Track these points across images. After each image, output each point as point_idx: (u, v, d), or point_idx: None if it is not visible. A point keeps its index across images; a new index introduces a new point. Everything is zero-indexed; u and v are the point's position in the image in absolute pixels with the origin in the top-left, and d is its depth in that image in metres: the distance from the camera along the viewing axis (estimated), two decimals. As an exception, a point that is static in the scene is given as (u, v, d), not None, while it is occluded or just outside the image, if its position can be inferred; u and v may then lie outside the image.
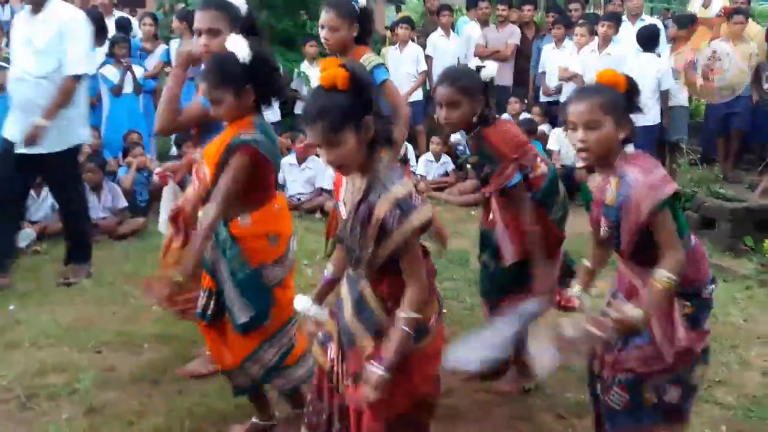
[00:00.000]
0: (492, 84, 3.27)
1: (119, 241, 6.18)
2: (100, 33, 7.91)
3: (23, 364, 3.80)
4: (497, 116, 3.32)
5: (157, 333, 4.14)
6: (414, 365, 2.26)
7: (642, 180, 2.35)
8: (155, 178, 3.73)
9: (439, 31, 8.97)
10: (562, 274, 3.41)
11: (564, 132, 7.28)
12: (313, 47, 8.40)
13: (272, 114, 7.13)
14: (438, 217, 3.74)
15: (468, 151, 3.46)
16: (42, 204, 6.27)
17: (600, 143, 2.42)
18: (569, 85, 7.98)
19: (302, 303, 2.54)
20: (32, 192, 6.19)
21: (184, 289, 3.28)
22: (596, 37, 7.88)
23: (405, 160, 6.94)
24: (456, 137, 8.27)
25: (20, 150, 4.76)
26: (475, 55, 8.63)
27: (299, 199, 7.21)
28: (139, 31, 8.83)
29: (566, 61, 8.06)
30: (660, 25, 8.33)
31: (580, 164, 7.16)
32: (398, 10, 12.91)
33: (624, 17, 8.28)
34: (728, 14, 8.22)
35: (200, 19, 3.26)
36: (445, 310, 2.58)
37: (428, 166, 8.12)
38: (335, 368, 2.39)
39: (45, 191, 6.25)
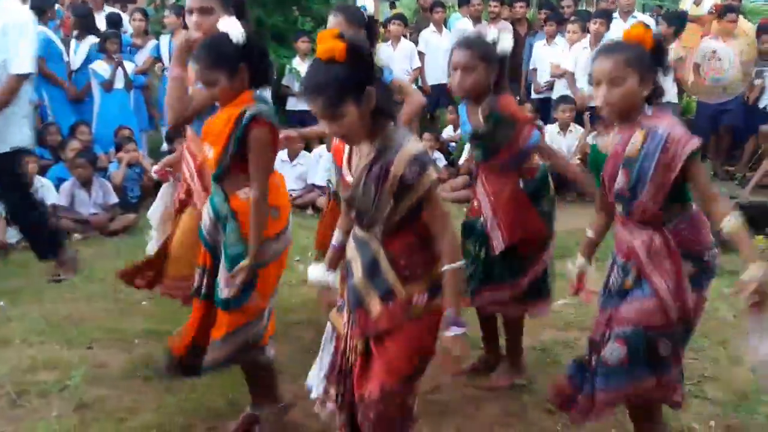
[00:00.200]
0: (507, 56, 3.31)
1: (110, 238, 6.18)
2: (86, 28, 7.93)
3: (14, 361, 3.79)
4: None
5: (147, 329, 4.14)
6: (426, 323, 2.30)
7: (676, 131, 2.43)
8: (154, 175, 3.73)
9: (432, 27, 8.98)
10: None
11: (559, 131, 7.37)
12: (305, 43, 8.40)
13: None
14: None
15: (466, 128, 3.43)
16: (32, 200, 6.23)
17: (624, 98, 2.47)
18: (561, 83, 8.00)
19: (316, 272, 2.58)
20: (22, 188, 6.18)
21: (178, 272, 3.32)
22: (588, 34, 7.90)
23: None
24: (448, 134, 8.28)
25: None
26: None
27: (291, 195, 7.20)
28: (129, 26, 8.81)
29: (558, 58, 8.08)
30: (651, 22, 8.36)
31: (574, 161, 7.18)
32: (392, 6, 12.95)
33: (616, 14, 8.31)
34: (720, 12, 8.27)
35: None
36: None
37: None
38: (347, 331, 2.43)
39: (35, 188, 6.22)
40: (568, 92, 7.80)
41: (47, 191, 6.31)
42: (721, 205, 2.44)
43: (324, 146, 7.31)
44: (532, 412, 3.36)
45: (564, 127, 7.49)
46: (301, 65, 8.30)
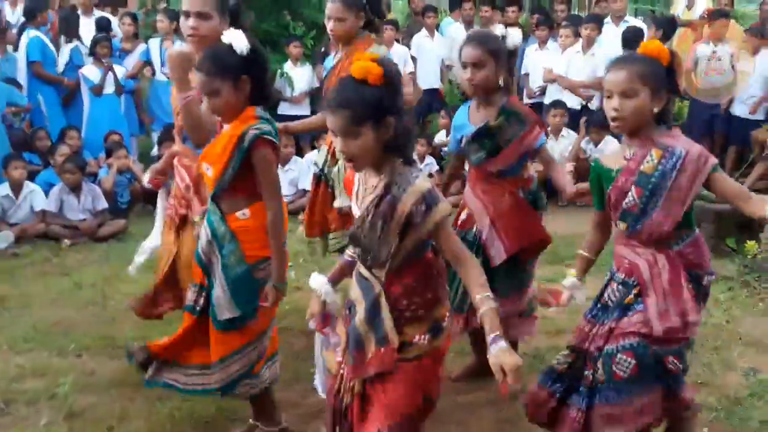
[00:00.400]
0: (515, 52, 3.35)
1: (100, 243, 6.15)
2: (69, 31, 7.93)
3: (1, 369, 3.77)
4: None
5: (137, 336, 4.11)
6: (428, 363, 2.28)
7: (693, 149, 2.46)
8: (147, 184, 3.71)
9: (424, 32, 9.00)
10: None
11: (551, 136, 7.38)
12: (297, 48, 8.43)
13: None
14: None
15: (464, 131, 3.38)
16: (21, 206, 6.23)
17: (635, 112, 2.46)
18: (553, 87, 8.02)
19: (318, 281, 2.53)
20: (11, 194, 6.18)
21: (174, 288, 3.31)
22: (580, 39, 7.93)
23: None
24: (440, 138, 8.29)
25: None
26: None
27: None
28: (119, 30, 8.80)
29: (550, 62, 8.10)
30: (644, 26, 8.39)
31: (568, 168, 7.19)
32: (388, 10, 13.05)
33: (608, 19, 8.34)
34: (711, 15, 8.32)
35: (191, 2, 3.22)
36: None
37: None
38: (341, 371, 2.40)
39: (24, 193, 6.21)
40: (560, 97, 7.82)
41: (36, 197, 6.29)
42: (755, 199, 2.47)
43: (316, 152, 7.30)
44: (525, 420, 3.35)
45: (556, 132, 7.51)
46: (292, 70, 8.32)
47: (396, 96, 2.19)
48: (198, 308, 2.94)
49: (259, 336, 2.93)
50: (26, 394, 3.51)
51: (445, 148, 8.24)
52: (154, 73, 8.08)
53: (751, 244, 5.18)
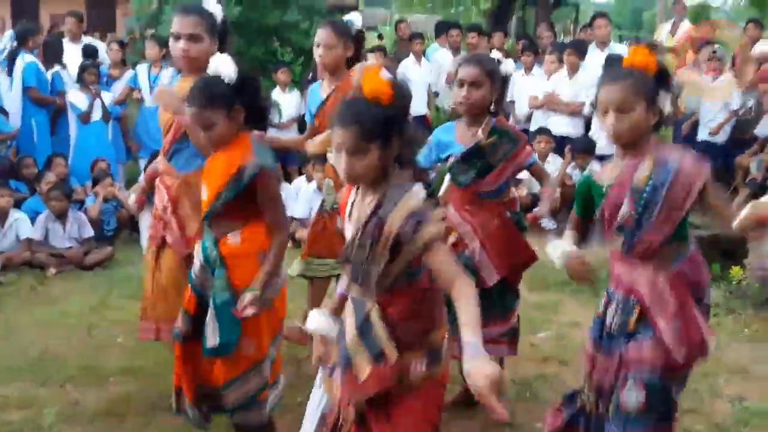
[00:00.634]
0: (507, 80, 3.41)
1: (86, 272, 6.12)
2: (53, 56, 7.95)
3: (-15, 400, 3.74)
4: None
5: (122, 366, 4.10)
6: (429, 392, 2.23)
7: (687, 159, 2.43)
8: (134, 210, 3.71)
9: (411, 58, 9.07)
10: None
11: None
12: (285, 74, 8.47)
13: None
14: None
15: (451, 150, 3.39)
16: (6, 234, 6.19)
17: (633, 127, 2.44)
18: (539, 114, 8.10)
19: (316, 321, 2.44)
20: (-4, 221, 6.15)
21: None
22: (565, 65, 8.02)
23: None
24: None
25: None
26: (446, 82, 8.73)
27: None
28: (106, 57, 8.82)
29: (536, 88, 8.18)
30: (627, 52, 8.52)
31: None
32: (380, 38, 13.21)
33: (593, 45, 8.44)
34: (697, 46, 8.48)
35: (181, 24, 3.26)
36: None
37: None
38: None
39: (9, 221, 6.18)
40: (545, 124, 7.90)
41: (22, 224, 6.24)
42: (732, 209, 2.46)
43: (303, 178, 7.32)
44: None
45: (542, 159, 7.56)
46: (280, 96, 8.35)
47: (404, 116, 2.18)
48: (186, 336, 2.91)
49: (262, 361, 2.87)
50: (10, 426, 3.47)
51: (433, 174, 8.29)
52: (142, 100, 8.10)
53: (736, 270, 5.23)
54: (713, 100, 8.08)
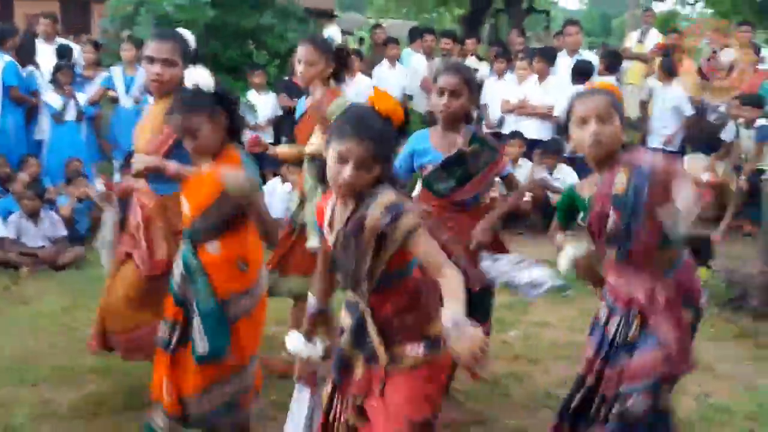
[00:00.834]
0: (481, 86, 3.42)
1: (59, 272, 6.04)
2: (26, 57, 7.86)
3: (-45, 400, 3.68)
4: None
5: (95, 366, 4.04)
6: (426, 373, 2.22)
7: (658, 160, 2.46)
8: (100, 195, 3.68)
9: (386, 62, 9.11)
10: None
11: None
12: (260, 76, 8.46)
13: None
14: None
15: (428, 157, 3.37)
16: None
17: (612, 137, 2.47)
18: (511, 118, 8.17)
19: (293, 342, 2.45)
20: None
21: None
22: (536, 71, 8.11)
23: None
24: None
25: None
26: (421, 87, 8.78)
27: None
28: (80, 58, 8.73)
29: (508, 93, 8.25)
30: (596, 58, 8.62)
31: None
32: (361, 42, 13.29)
33: (563, 52, 8.53)
34: (665, 51, 8.55)
35: (157, 49, 3.28)
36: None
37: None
38: (333, 403, 2.32)
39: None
40: (517, 128, 7.96)
41: (-6, 223, 6.18)
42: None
43: (278, 179, 7.31)
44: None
45: (514, 161, 7.62)
46: (255, 97, 8.35)
47: (399, 141, 2.24)
48: (172, 345, 2.88)
49: (241, 369, 2.86)
50: (-19, 426, 3.43)
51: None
52: (117, 100, 8.02)
53: (702, 271, 5.30)
54: (664, 107, 8.09)
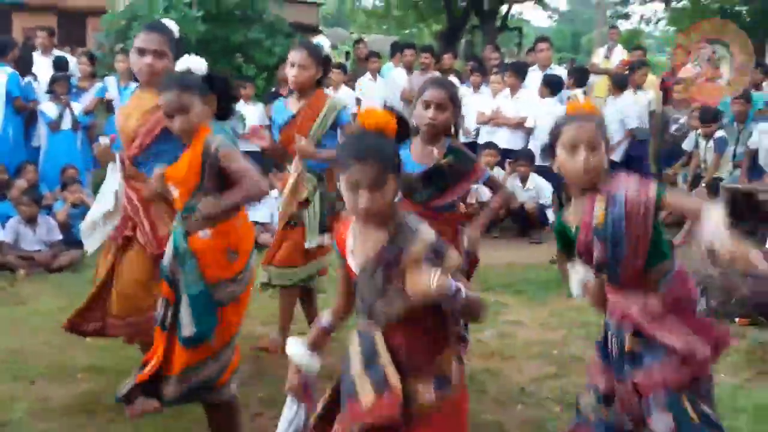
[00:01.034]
0: (461, 102, 3.41)
1: (55, 274, 5.99)
2: (24, 68, 7.81)
3: (-45, 397, 3.63)
4: None
5: (90, 364, 4.01)
6: (450, 412, 2.09)
7: (631, 186, 2.31)
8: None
9: (368, 75, 9.14)
10: None
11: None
12: (248, 88, 8.47)
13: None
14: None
15: (408, 168, 3.27)
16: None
17: (598, 165, 2.33)
18: (485, 129, 8.22)
19: (296, 349, 2.30)
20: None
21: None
22: (509, 84, 8.15)
23: None
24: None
25: None
26: (401, 98, 8.82)
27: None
28: (76, 70, 8.67)
29: (483, 105, 8.30)
30: (564, 73, 8.71)
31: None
32: (347, 57, 13.30)
33: (535, 67, 8.60)
34: (631, 66, 8.65)
35: (148, 40, 3.26)
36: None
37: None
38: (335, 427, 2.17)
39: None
40: (491, 139, 8.01)
41: (-7, 228, 6.12)
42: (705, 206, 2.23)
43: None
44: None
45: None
46: (244, 108, 8.35)
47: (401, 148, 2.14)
48: (166, 323, 2.85)
49: (222, 349, 2.82)
50: (-21, 422, 3.39)
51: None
52: (111, 110, 7.97)
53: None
54: (610, 119, 8.11)
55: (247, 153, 3.35)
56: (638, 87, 8.38)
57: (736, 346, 4.06)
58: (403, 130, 2.18)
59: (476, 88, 8.63)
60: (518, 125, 7.99)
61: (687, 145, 7.76)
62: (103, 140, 3.43)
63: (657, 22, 21.89)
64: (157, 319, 2.90)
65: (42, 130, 7.70)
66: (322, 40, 3.94)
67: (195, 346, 2.77)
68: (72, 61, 8.94)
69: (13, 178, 6.90)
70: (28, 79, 7.82)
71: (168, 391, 2.83)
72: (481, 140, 8.18)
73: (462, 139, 8.53)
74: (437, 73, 9.08)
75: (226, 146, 2.74)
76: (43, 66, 8.33)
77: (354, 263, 2.13)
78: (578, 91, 8.15)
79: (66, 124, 7.64)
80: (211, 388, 2.84)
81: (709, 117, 7.47)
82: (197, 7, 8.98)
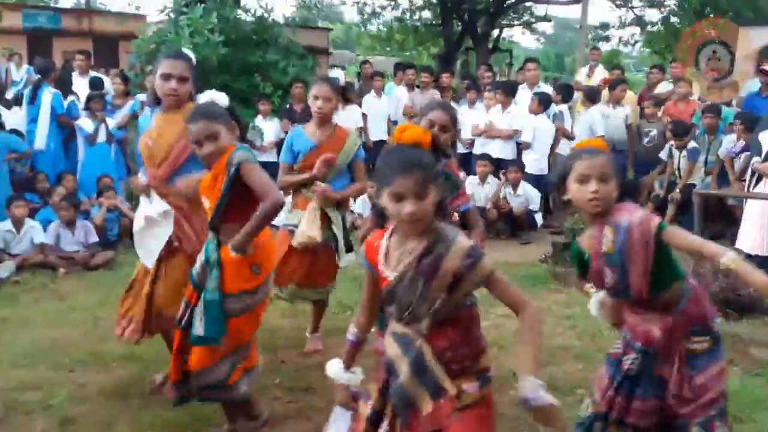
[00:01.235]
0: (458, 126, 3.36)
1: (91, 272, 6.01)
2: (66, 88, 7.87)
3: (2, 383, 3.64)
4: None
5: (124, 354, 4.02)
6: (482, 412, 2.04)
7: (634, 218, 2.24)
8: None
9: (373, 93, 9.15)
10: None
11: (479, 182, 7.54)
12: (266, 105, 8.49)
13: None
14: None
15: None
16: (22, 239, 6.08)
17: (610, 195, 2.27)
18: (479, 141, 8.22)
19: (334, 369, 2.24)
20: (12, 227, 6.05)
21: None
22: (501, 101, 8.14)
23: None
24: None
25: None
26: (403, 114, 8.84)
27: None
28: (110, 88, 8.71)
29: (477, 119, 8.30)
30: (551, 90, 8.71)
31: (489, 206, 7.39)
32: (358, 77, 13.31)
33: (524, 85, 8.60)
34: (611, 83, 8.65)
35: (172, 66, 3.21)
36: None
37: (365, 205, 8.16)
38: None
39: (25, 228, 6.08)
40: (485, 150, 8.01)
41: (36, 231, 6.15)
42: (712, 246, 2.14)
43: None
44: None
45: (483, 179, 7.70)
46: (262, 123, 8.38)
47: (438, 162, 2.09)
48: (183, 321, 2.85)
49: (232, 352, 2.82)
50: (24, 405, 3.39)
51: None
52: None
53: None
54: (582, 128, 7.98)
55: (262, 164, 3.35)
56: (617, 102, 8.39)
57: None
58: (435, 146, 2.14)
59: (471, 103, 8.63)
60: (509, 137, 7.98)
61: (663, 154, 7.74)
62: (141, 177, 3.38)
63: (634, 44, 21.88)
64: (178, 320, 2.90)
65: (80, 143, 7.73)
66: (338, 74, 3.97)
67: (204, 346, 2.77)
68: (106, 81, 8.98)
69: (54, 187, 6.95)
70: (71, 98, 7.86)
71: (190, 386, 2.84)
72: (476, 151, 8.20)
73: (459, 149, 8.64)
74: (436, 91, 9.12)
75: (246, 160, 2.73)
76: (80, 86, 8.39)
77: (388, 271, 2.05)
78: (564, 107, 8.16)
79: (101, 137, 7.67)
80: (222, 387, 2.83)
81: (681, 131, 7.48)
82: (219, 33, 9.01)
